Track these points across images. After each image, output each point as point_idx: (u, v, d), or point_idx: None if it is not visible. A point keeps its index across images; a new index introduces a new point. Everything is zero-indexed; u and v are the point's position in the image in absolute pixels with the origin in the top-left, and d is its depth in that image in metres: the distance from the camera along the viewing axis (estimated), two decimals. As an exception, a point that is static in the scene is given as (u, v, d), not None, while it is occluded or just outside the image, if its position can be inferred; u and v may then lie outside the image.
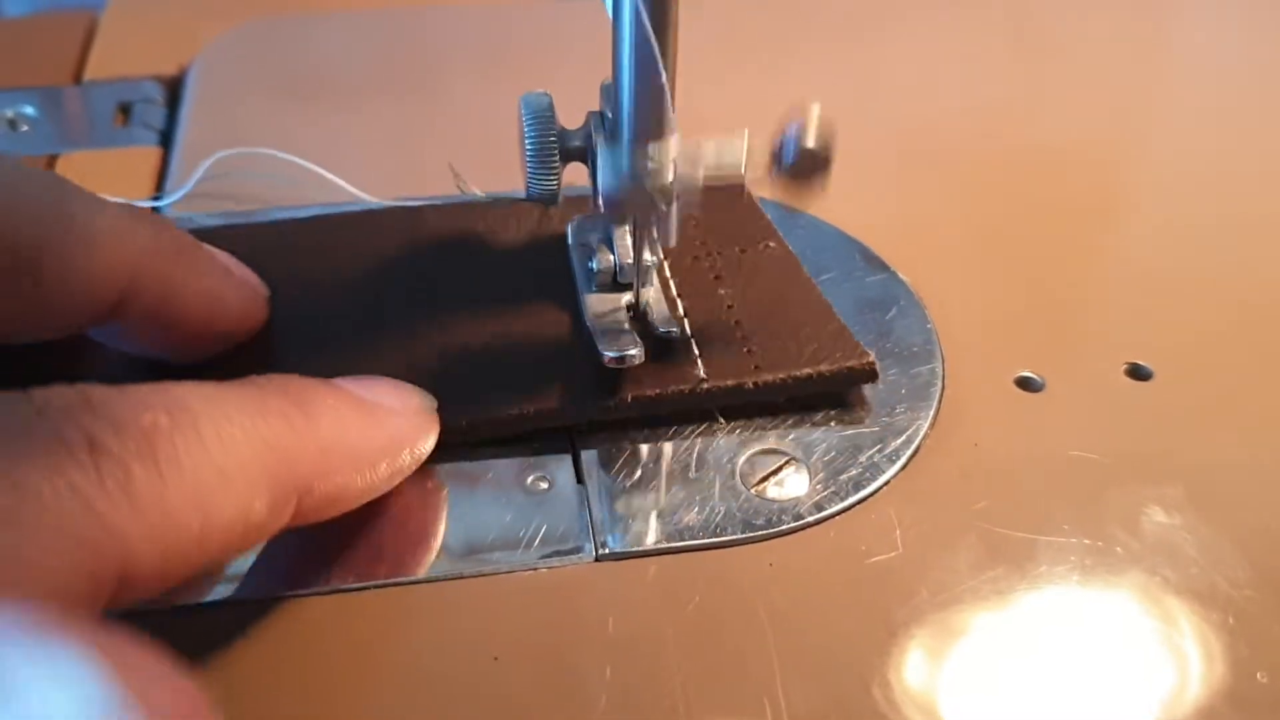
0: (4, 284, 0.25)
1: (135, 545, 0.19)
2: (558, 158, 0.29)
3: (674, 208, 0.28)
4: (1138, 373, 0.32)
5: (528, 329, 0.32)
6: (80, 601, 0.19)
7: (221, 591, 0.26)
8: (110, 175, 0.39)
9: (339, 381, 0.26)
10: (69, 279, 0.25)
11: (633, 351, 0.29)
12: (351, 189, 0.36)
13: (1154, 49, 0.50)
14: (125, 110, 0.43)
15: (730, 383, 0.30)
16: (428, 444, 0.27)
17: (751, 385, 0.30)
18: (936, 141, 0.42)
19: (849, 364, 0.30)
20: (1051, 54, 0.48)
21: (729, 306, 0.32)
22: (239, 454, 0.21)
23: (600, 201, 0.29)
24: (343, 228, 0.35)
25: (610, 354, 0.29)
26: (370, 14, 0.48)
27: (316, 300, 0.33)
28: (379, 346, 0.31)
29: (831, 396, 0.31)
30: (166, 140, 0.41)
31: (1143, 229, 0.39)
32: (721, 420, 0.30)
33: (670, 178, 0.28)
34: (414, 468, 0.27)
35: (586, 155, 0.30)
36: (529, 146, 0.29)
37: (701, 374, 0.30)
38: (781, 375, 0.30)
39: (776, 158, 0.28)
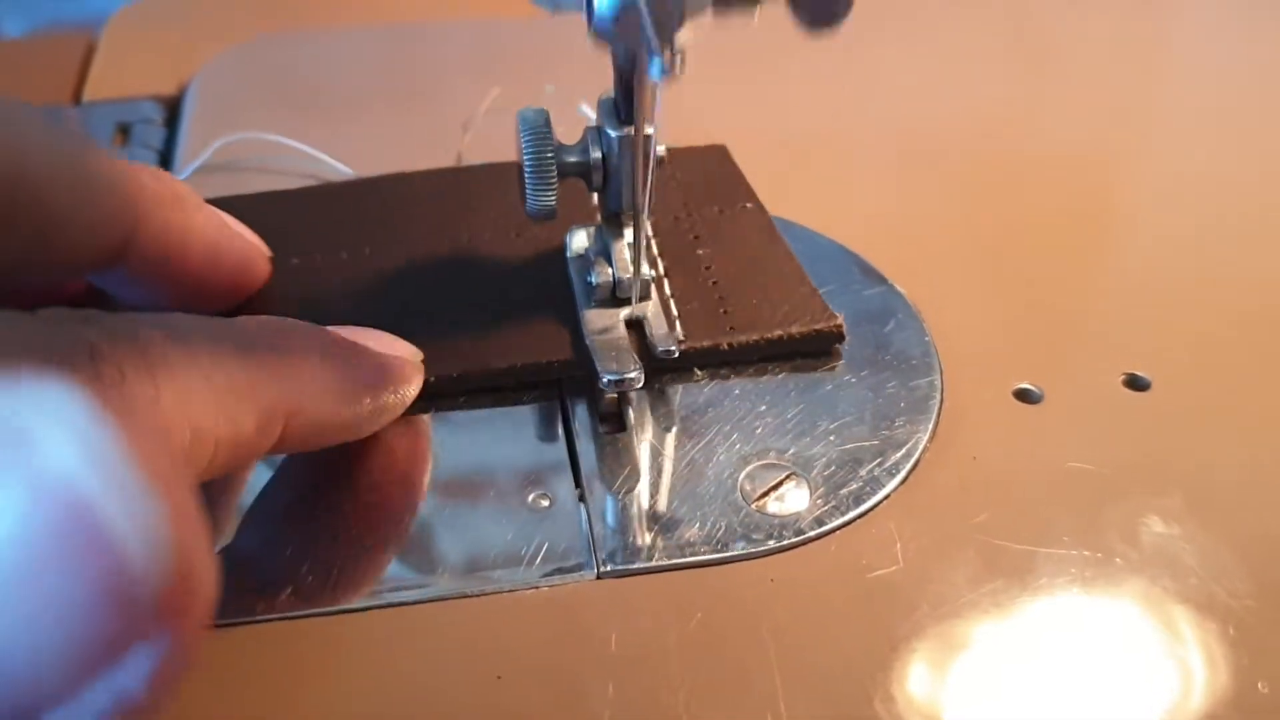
0: (10, 222, 0.25)
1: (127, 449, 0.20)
2: (555, 173, 0.30)
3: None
4: (1136, 383, 0.32)
5: (519, 287, 0.33)
6: None
7: (226, 612, 0.26)
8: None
9: (329, 328, 0.28)
10: (75, 219, 0.26)
11: (632, 374, 0.29)
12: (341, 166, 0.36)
13: (1152, 57, 0.50)
14: (124, 130, 0.43)
15: (706, 343, 0.31)
16: (412, 387, 0.28)
17: (726, 346, 0.32)
18: (933, 153, 0.42)
19: (818, 326, 0.32)
20: (1050, 64, 0.48)
21: (707, 268, 0.34)
22: (229, 370, 0.23)
23: (592, 21, 0.26)
24: (341, 194, 0.37)
25: (608, 376, 0.29)
26: (369, 30, 0.49)
27: (315, 260, 0.34)
28: (375, 304, 0.33)
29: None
30: (165, 160, 0.42)
31: (1140, 239, 0.39)
32: (698, 372, 0.32)
33: None
34: (399, 410, 0.28)
35: (584, 171, 0.30)
36: (527, 163, 0.29)
37: (680, 334, 0.31)
38: (755, 337, 0.32)
39: None
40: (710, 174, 0.38)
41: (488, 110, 0.42)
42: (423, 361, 0.29)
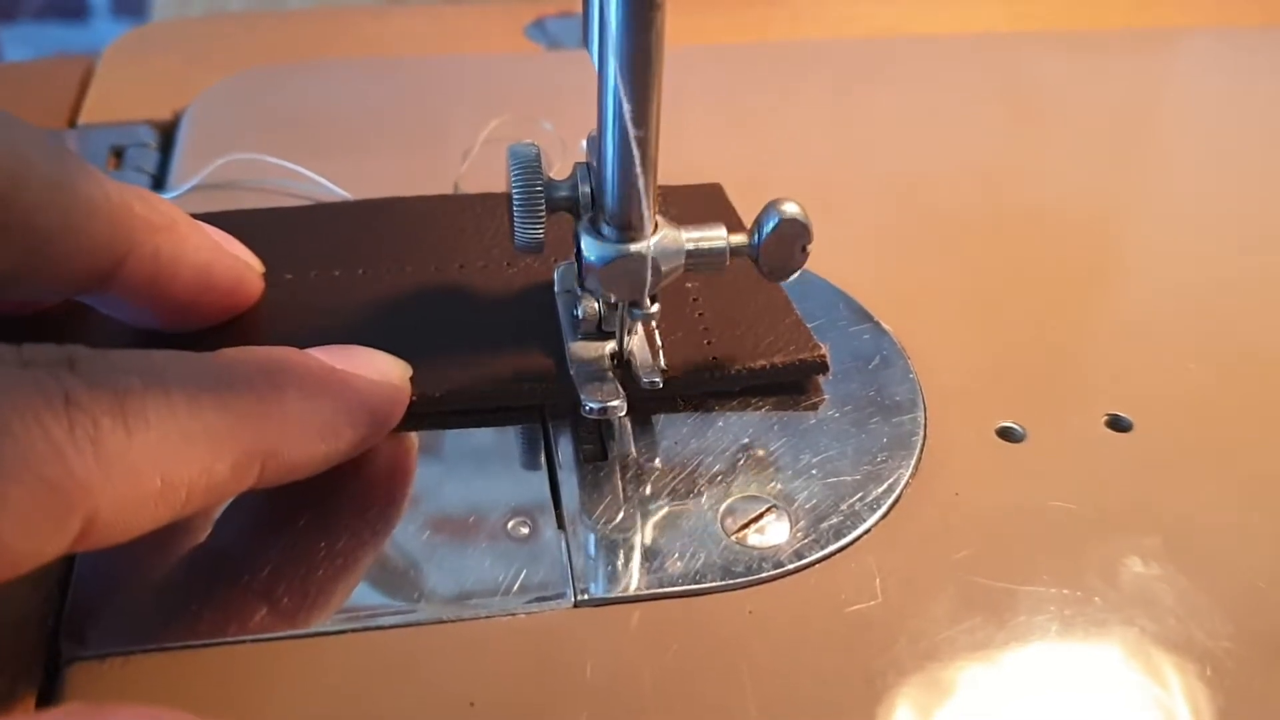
0: (3, 243, 0.26)
1: (98, 494, 0.21)
2: (544, 208, 0.30)
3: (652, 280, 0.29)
4: (1118, 424, 0.32)
5: (508, 315, 0.34)
6: (45, 539, 0.21)
7: (196, 632, 0.26)
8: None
9: (314, 350, 0.27)
10: (65, 242, 0.27)
11: (614, 403, 0.29)
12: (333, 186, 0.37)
13: (1137, 104, 0.51)
14: (118, 154, 0.43)
15: (690, 374, 0.32)
16: (396, 413, 0.28)
17: (709, 376, 0.32)
18: (921, 194, 0.42)
19: (802, 356, 0.32)
20: (1036, 111, 0.49)
21: (694, 300, 0.34)
22: (205, 419, 0.23)
23: (582, 275, 0.30)
24: (337, 215, 0.38)
25: (591, 404, 0.29)
26: (366, 64, 0.49)
27: (309, 278, 0.35)
28: (365, 323, 0.33)
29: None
30: (158, 184, 0.42)
31: (1123, 281, 0.39)
32: (681, 403, 0.32)
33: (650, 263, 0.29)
34: (381, 436, 0.28)
35: (573, 206, 0.30)
36: (516, 196, 0.30)
37: (663, 364, 0.31)
38: (738, 367, 0.32)
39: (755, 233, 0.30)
40: (703, 210, 0.38)
41: (486, 140, 0.42)
42: (411, 379, 0.29)
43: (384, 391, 0.28)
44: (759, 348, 0.33)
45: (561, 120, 0.43)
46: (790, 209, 0.29)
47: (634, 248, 0.29)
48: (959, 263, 0.39)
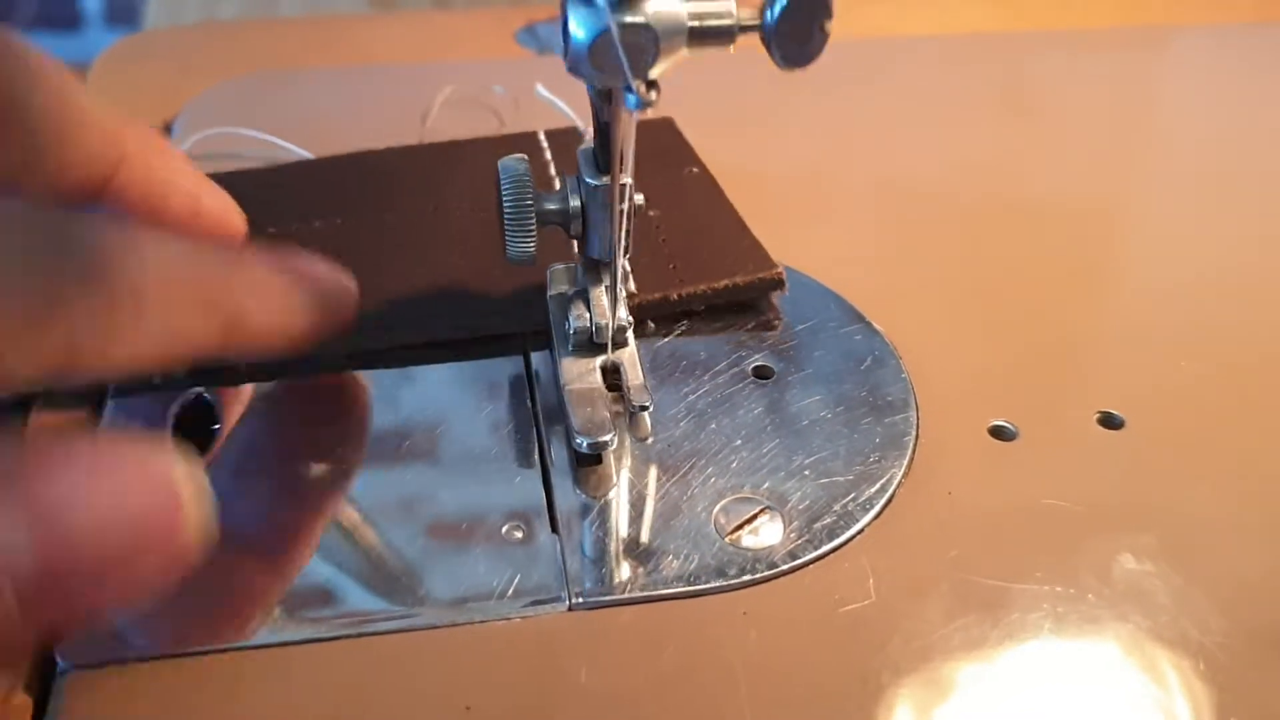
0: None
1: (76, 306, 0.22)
2: (534, 221, 0.30)
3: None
4: (1110, 421, 0.32)
5: (485, 257, 0.35)
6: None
7: (191, 639, 0.26)
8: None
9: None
10: (58, 147, 0.27)
11: (606, 438, 0.29)
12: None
13: (1132, 103, 0.51)
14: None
15: (657, 296, 0.34)
16: (347, 304, 0.29)
17: (675, 297, 0.34)
18: (913, 193, 0.43)
19: (760, 275, 0.35)
20: (1028, 109, 0.49)
21: (657, 227, 0.37)
22: (179, 266, 0.24)
23: (568, 56, 0.26)
24: (313, 170, 0.41)
25: (585, 440, 0.29)
26: (357, 70, 0.49)
27: (290, 229, 0.37)
28: (349, 268, 0.33)
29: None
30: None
31: (1115, 279, 0.39)
32: (652, 325, 0.34)
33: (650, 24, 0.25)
34: (334, 328, 0.28)
35: (563, 220, 0.30)
36: (507, 210, 0.30)
37: (632, 288, 0.33)
38: (702, 287, 0.34)
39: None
40: (659, 143, 0.41)
41: (444, 103, 0.43)
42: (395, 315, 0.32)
43: (335, 281, 0.29)
44: (720, 268, 0.35)
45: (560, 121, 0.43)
46: None
47: (629, 17, 0.25)
48: (950, 262, 0.39)
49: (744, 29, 0.26)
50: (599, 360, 0.31)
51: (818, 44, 0.26)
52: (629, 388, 0.31)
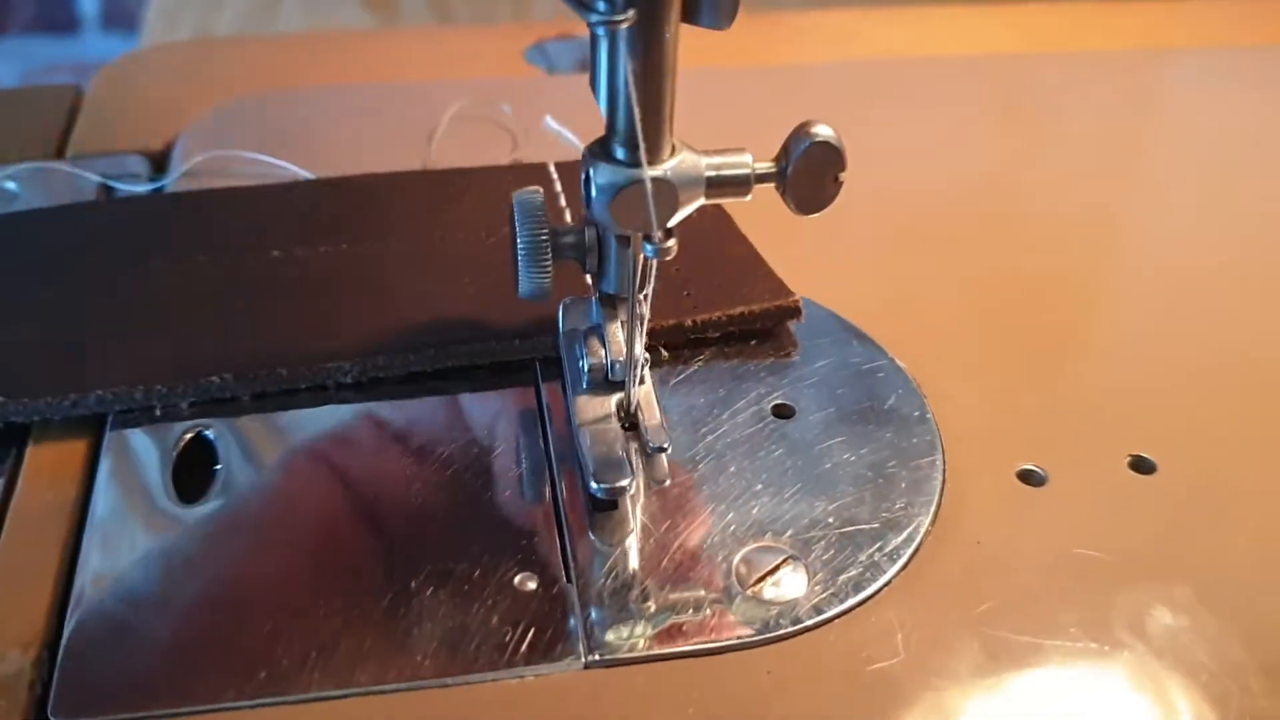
0: None
1: None
2: (550, 255, 0.29)
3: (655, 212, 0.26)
4: (1141, 465, 0.31)
5: (490, 280, 0.35)
6: None
7: (195, 697, 0.25)
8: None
9: None
10: None
11: (623, 484, 0.28)
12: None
13: (1158, 135, 0.50)
14: (108, 187, 0.42)
15: (671, 322, 0.33)
16: None
17: (690, 323, 0.33)
18: (935, 230, 0.41)
19: (777, 302, 0.34)
20: (1052, 143, 0.48)
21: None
22: None
23: (592, 208, 0.27)
24: (314, 192, 0.40)
25: (601, 486, 0.28)
26: (364, 89, 0.48)
27: (294, 254, 0.36)
28: (356, 294, 0.35)
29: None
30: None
31: (1143, 319, 0.38)
32: (665, 353, 0.33)
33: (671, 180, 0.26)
34: None
35: (579, 254, 0.29)
36: (521, 244, 0.29)
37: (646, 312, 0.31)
38: (717, 314, 0.34)
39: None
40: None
41: (453, 119, 0.42)
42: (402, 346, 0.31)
43: None
44: (735, 296, 0.34)
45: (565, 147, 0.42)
46: (822, 131, 0.27)
47: (649, 172, 0.26)
48: (973, 298, 0.38)
49: (760, 179, 0.28)
50: (614, 399, 0.30)
51: (831, 193, 0.28)
52: (646, 428, 0.30)
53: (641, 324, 0.30)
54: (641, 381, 0.30)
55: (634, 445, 0.30)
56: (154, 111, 0.46)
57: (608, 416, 0.30)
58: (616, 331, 0.30)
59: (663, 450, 0.29)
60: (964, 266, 0.39)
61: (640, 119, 0.25)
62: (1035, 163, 0.46)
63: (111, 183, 0.41)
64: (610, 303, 0.30)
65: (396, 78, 0.49)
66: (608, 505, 0.29)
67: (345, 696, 0.25)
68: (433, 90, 0.47)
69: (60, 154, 0.44)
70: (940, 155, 0.46)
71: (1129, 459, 0.32)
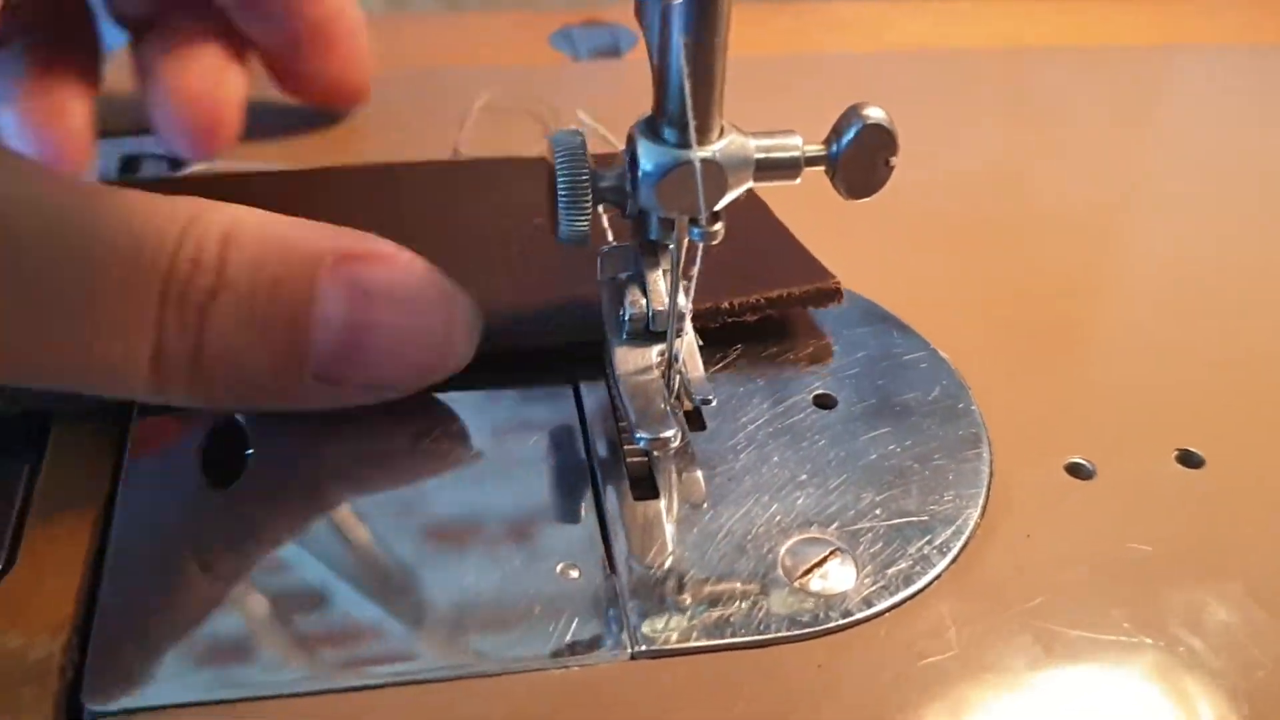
0: None
1: None
2: (590, 198, 0.28)
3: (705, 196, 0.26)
4: (1189, 459, 0.31)
5: (541, 265, 0.34)
6: None
7: (233, 690, 0.24)
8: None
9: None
10: None
11: (668, 434, 0.27)
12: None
13: (1194, 128, 0.49)
14: (130, 165, 0.41)
15: (708, 304, 0.32)
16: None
17: (727, 305, 0.32)
18: (973, 221, 0.41)
19: (817, 285, 0.33)
20: (1093, 137, 0.47)
21: None
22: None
23: (639, 191, 0.27)
24: (358, 178, 0.39)
25: (644, 435, 0.27)
26: (390, 74, 0.47)
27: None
28: None
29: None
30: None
31: (1188, 311, 0.37)
32: (700, 341, 0.31)
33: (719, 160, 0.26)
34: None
35: (619, 198, 0.28)
36: (561, 186, 0.27)
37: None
38: (755, 296, 0.32)
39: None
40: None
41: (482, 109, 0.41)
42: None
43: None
44: (773, 278, 0.33)
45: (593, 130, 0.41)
46: (875, 114, 0.26)
47: (698, 153, 0.26)
48: (1017, 290, 0.37)
49: (809, 161, 0.27)
50: (655, 349, 0.29)
51: (882, 177, 0.27)
52: (689, 381, 0.29)
53: (685, 317, 0.29)
54: (681, 333, 0.29)
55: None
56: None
57: (648, 368, 0.29)
58: (658, 280, 0.29)
59: (707, 403, 0.28)
60: (1003, 260, 0.39)
61: (691, 99, 0.25)
62: (1072, 156, 0.45)
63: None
64: (651, 250, 0.29)
65: (419, 63, 0.48)
66: (649, 493, 0.29)
67: (384, 686, 0.24)
68: (458, 76, 0.47)
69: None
70: (973, 148, 0.45)
71: (1176, 453, 0.31)
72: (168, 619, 0.26)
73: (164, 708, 0.24)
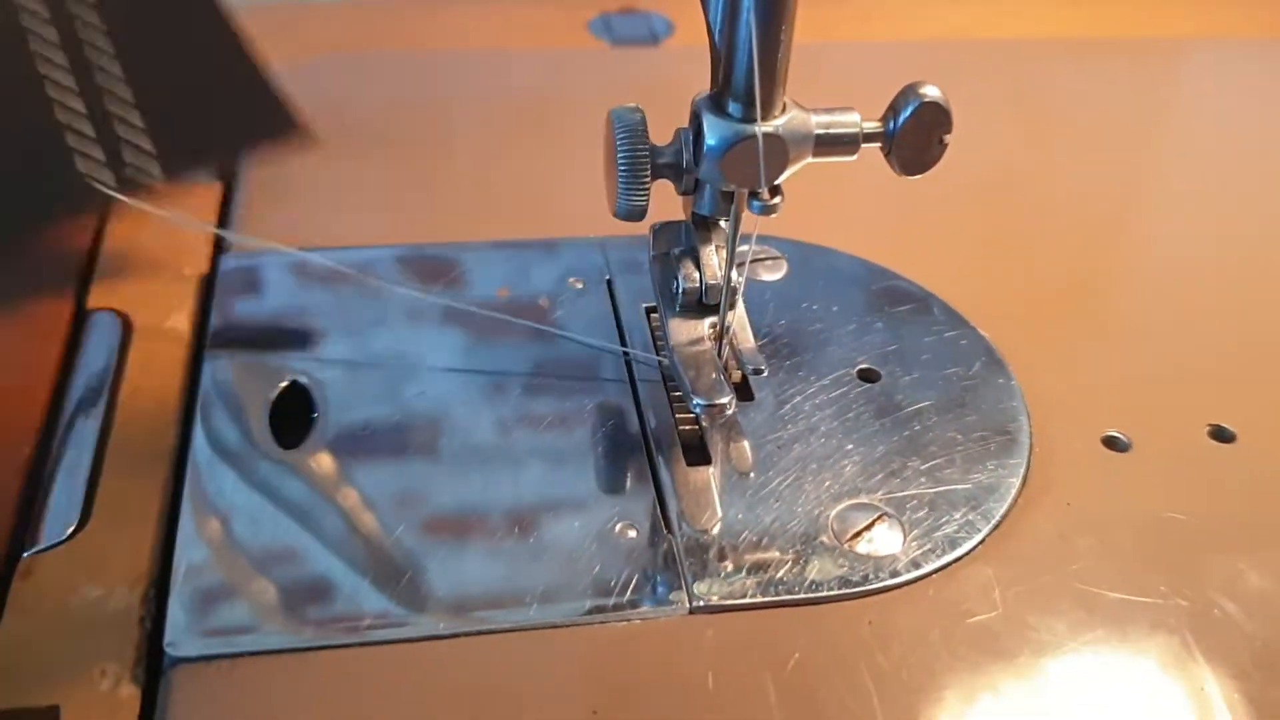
0: None
1: None
2: (649, 174, 0.28)
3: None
4: (1221, 434, 0.32)
5: None
6: None
7: (311, 637, 0.25)
8: (172, 204, 0.39)
9: None
10: None
11: (724, 400, 0.28)
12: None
13: (1238, 117, 0.50)
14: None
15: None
16: None
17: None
18: (1016, 200, 0.42)
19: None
20: (1129, 118, 0.48)
21: None
22: None
23: (702, 164, 0.27)
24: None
25: (701, 401, 0.28)
26: (433, 55, 0.48)
27: None
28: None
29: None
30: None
31: (1219, 290, 0.38)
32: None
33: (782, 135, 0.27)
34: None
35: (675, 174, 0.29)
36: (621, 161, 0.28)
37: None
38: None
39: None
40: None
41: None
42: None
43: None
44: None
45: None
46: (931, 92, 0.27)
47: (763, 127, 0.26)
48: (1050, 268, 0.38)
49: (867, 138, 0.28)
50: (707, 321, 0.30)
51: (935, 155, 0.28)
52: (741, 351, 0.30)
53: (738, 290, 0.30)
54: (732, 306, 0.30)
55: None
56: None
57: (701, 339, 0.30)
58: (710, 255, 0.30)
59: (759, 372, 0.29)
60: (1040, 243, 0.40)
61: (759, 75, 0.26)
62: (1110, 143, 0.46)
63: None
64: (704, 225, 0.30)
65: (458, 45, 0.49)
66: (700, 459, 0.30)
67: (455, 636, 0.25)
68: (500, 59, 0.48)
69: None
70: (1015, 137, 0.46)
71: (1209, 428, 0.32)
72: (243, 570, 0.27)
73: (242, 655, 0.25)
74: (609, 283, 0.35)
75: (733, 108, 0.27)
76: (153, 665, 0.25)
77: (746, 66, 0.26)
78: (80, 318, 0.34)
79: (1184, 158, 0.46)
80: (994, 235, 0.40)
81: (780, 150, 0.27)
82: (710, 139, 0.27)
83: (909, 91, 0.27)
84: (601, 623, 0.26)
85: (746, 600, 0.26)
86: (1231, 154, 0.47)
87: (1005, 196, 0.42)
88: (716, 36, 0.27)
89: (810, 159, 0.28)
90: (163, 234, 0.37)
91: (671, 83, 0.29)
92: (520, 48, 0.49)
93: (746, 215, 0.28)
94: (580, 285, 0.35)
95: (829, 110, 0.27)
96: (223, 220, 0.39)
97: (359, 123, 0.43)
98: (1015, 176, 0.43)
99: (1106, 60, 0.52)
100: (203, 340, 0.33)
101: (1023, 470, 0.30)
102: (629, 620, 0.26)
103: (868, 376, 0.32)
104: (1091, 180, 0.43)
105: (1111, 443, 0.31)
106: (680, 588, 0.27)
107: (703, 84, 0.27)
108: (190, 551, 0.27)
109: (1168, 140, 0.47)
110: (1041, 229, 0.40)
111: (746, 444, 0.30)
